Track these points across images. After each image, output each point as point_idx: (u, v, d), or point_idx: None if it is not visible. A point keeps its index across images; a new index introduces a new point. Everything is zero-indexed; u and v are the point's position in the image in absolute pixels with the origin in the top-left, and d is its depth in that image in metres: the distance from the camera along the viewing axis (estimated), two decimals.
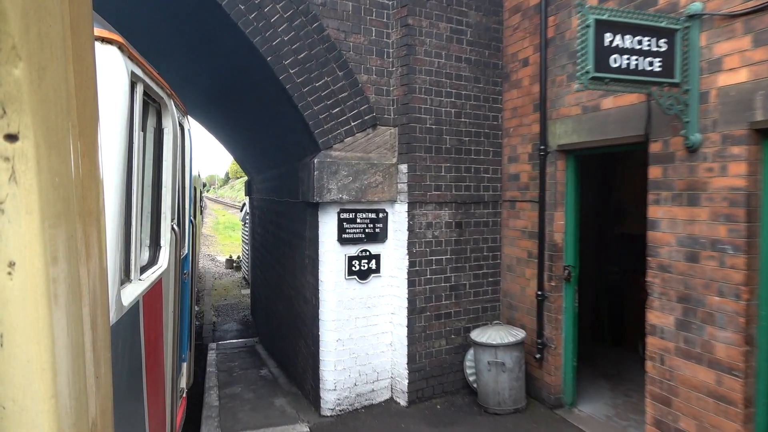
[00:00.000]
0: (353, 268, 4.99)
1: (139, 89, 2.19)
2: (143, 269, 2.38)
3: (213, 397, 6.24)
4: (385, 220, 5.17)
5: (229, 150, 11.61)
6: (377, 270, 5.14)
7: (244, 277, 18.01)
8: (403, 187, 5.07)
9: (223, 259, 22.33)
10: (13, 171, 0.51)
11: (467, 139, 5.37)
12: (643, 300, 6.30)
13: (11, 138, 0.50)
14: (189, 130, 4.32)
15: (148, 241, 2.58)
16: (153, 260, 2.65)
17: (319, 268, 4.95)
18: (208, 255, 24.43)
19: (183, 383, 4.35)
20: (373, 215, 5.10)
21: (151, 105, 2.63)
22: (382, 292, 5.19)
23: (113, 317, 1.74)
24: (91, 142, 0.65)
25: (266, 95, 5.28)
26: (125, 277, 2.07)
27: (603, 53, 3.26)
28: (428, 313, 5.18)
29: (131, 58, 2.02)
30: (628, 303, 6.74)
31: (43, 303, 0.53)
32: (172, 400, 3.07)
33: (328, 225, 4.89)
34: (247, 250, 15.84)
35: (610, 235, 7.15)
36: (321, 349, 4.96)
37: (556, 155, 4.88)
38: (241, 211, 17.94)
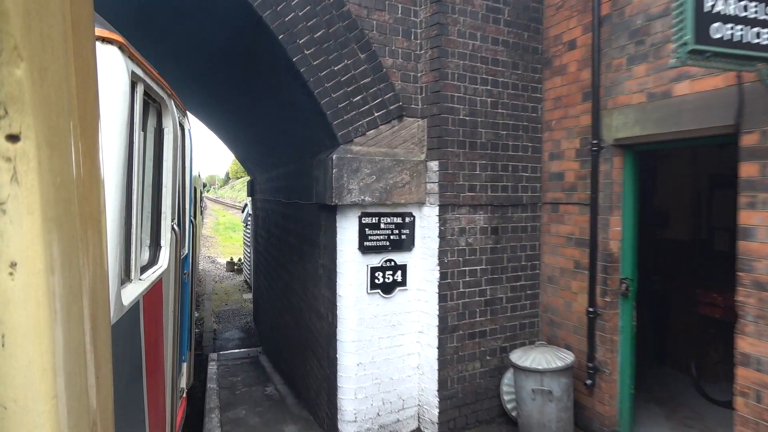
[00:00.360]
0: (376, 281, 4.33)
1: (140, 89, 2.16)
2: (143, 269, 2.36)
3: (214, 422, 5.58)
4: (411, 226, 4.51)
5: (230, 148, 10.95)
6: (403, 283, 4.48)
7: (246, 281, 17.35)
8: (433, 187, 4.41)
9: (223, 261, 21.67)
10: (14, 171, 0.51)
11: (504, 132, 4.71)
12: (696, 314, 5.67)
13: (13, 138, 0.51)
14: (189, 130, 4.21)
15: (148, 241, 2.55)
16: (153, 260, 2.62)
17: (337, 280, 4.29)
18: (209, 257, 23.76)
19: (183, 383, 4.28)
20: (399, 220, 4.44)
21: (152, 105, 2.59)
22: (408, 307, 4.53)
23: (113, 317, 1.70)
24: (93, 143, 0.65)
25: (276, 82, 4.63)
26: (125, 277, 2.06)
27: (703, 21, 2.61)
28: (461, 332, 4.52)
29: (132, 57, 2.01)
30: (674, 317, 6.08)
31: (45, 303, 0.53)
32: (172, 400, 3.05)
33: (347, 231, 4.23)
34: (249, 252, 15.18)
35: (652, 242, 6.48)
36: (339, 374, 4.29)
37: (611, 151, 4.22)
38: (243, 211, 17.27)
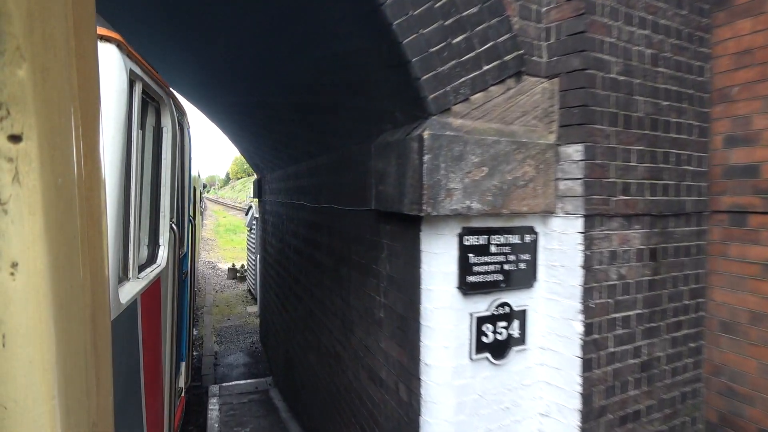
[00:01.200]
0: (484, 339, 2.67)
1: (138, 88, 2.14)
2: (142, 268, 2.33)
3: None
4: (533, 248, 2.85)
5: (233, 141, 9.28)
6: (521, 339, 2.82)
7: (250, 291, 15.66)
8: (572, 186, 2.76)
9: (225, 267, 20.01)
10: (16, 172, 0.50)
11: (666, 104, 3.06)
12: None
13: (15, 139, 0.50)
14: (188, 129, 4.08)
15: (146, 240, 2.51)
16: (152, 259, 2.57)
17: (422, 339, 2.63)
18: (209, 262, 22.07)
19: (181, 382, 4.22)
20: (516, 239, 2.78)
21: (150, 103, 2.53)
22: (526, 378, 2.87)
23: (111, 315, 1.57)
24: (93, 143, 0.63)
25: (317, 24, 2.96)
26: (123, 275, 2.06)
27: None
28: (610, 416, 2.86)
29: (130, 56, 1.99)
30: None
31: (46, 304, 0.52)
32: (170, 399, 2.97)
33: (439, 258, 2.57)
34: (255, 261, 13.52)
35: None
36: None
37: None
38: (247, 214, 15.59)
